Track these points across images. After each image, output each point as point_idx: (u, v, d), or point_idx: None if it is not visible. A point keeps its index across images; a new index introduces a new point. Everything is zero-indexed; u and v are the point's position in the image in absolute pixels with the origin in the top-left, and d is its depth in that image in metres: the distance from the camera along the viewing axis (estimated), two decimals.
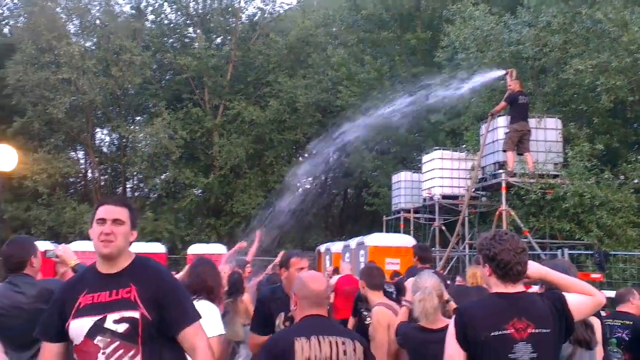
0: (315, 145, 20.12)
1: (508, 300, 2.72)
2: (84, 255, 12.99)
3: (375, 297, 4.80)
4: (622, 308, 5.30)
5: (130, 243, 2.72)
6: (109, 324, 2.55)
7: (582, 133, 12.26)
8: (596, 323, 4.08)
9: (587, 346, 3.43)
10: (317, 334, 2.88)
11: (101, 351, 2.52)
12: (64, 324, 2.60)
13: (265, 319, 4.04)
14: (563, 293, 2.84)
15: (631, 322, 5.09)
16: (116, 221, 2.66)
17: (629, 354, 4.99)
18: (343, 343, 2.90)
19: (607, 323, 5.16)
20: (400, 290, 8.31)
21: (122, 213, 2.70)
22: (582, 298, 2.84)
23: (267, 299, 4.19)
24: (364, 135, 17.35)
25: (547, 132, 12.06)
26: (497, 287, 2.77)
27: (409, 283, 4.78)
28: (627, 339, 4.99)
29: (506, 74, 11.90)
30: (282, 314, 3.92)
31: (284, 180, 22.33)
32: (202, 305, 4.00)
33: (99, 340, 2.54)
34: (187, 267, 4.58)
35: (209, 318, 4.08)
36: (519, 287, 2.75)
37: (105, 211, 2.67)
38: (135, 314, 2.56)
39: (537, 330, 2.64)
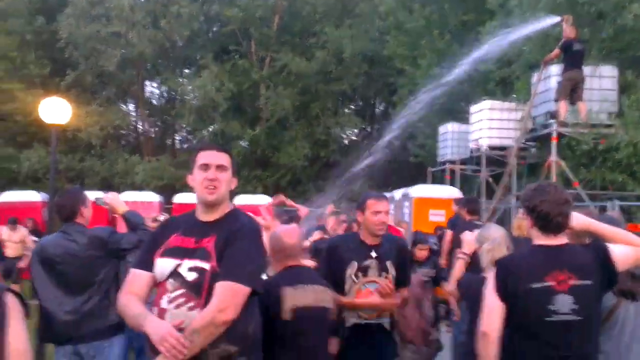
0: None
1: (549, 252, 2.72)
2: (134, 205, 13.43)
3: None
4: None
5: (231, 191, 2.68)
6: (183, 269, 2.50)
7: (638, 81, 11.79)
8: None
9: (632, 297, 3.35)
10: (301, 282, 3.23)
11: (167, 294, 2.49)
12: (152, 257, 2.60)
13: (332, 271, 3.64)
14: (607, 244, 2.81)
15: None
16: (220, 167, 2.60)
17: None
18: (322, 291, 3.29)
19: None
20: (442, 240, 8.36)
21: (224, 158, 2.63)
22: (627, 249, 2.82)
23: (337, 246, 3.78)
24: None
25: (602, 80, 11.62)
26: (539, 239, 2.78)
27: (466, 235, 4.85)
28: None
29: (562, 20, 11.47)
30: (355, 264, 3.62)
31: (330, 132, 22.40)
32: None
33: (170, 282, 2.51)
34: None
35: None
36: (561, 239, 2.75)
37: (209, 156, 2.61)
38: (206, 265, 2.48)
39: (578, 282, 2.63)
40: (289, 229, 3.53)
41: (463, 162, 16.34)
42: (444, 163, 17.14)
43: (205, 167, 2.58)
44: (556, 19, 11.87)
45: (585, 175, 11.60)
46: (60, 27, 21.28)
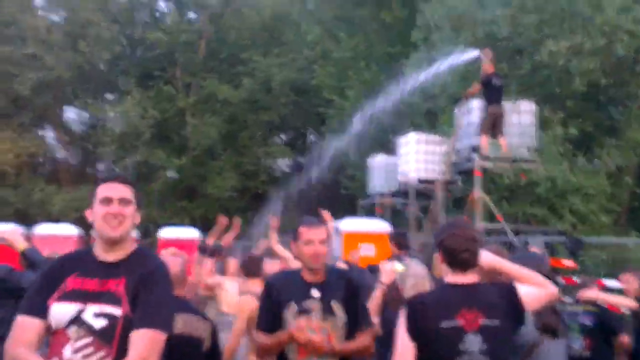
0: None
1: (458, 290, 2.67)
2: (51, 239, 12.46)
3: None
4: None
5: (134, 226, 2.46)
6: (88, 315, 2.29)
7: (556, 117, 12.04)
8: None
9: (553, 333, 3.43)
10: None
11: (70, 343, 2.27)
12: (46, 302, 2.34)
13: (271, 314, 3.18)
14: (515, 284, 2.80)
15: (596, 309, 5.16)
16: (123, 200, 2.42)
17: (590, 339, 5.07)
18: (197, 321, 3.30)
19: (568, 310, 5.31)
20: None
21: (128, 191, 2.45)
22: (534, 290, 2.82)
23: (273, 285, 3.26)
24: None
25: (521, 115, 11.81)
26: (449, 276, 2.73)
27: (385, 265, 4.73)
28: (589, 325, 5.09)
29: (480, 55, 11.60)
30: (294, 305, 3.09)
31: (259, 162, 21.97)
32: None
33: (72, 330, 2.28)
34: None
35: None
36: (471, 277, 2.69)
37: (111, 189, 2.42)
38: (117, 311, 2.29)
39: (487, 322, 2.57)
40: (172, 259, 3.47)
41: (392, 194, 16.28)
42: (374, 196, 17.05)
43: (108, 200, 2.41)
44: (475, 52, 12.02)
45: (507, 209, 11.66)
46: None
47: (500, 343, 2.63)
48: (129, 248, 2.46)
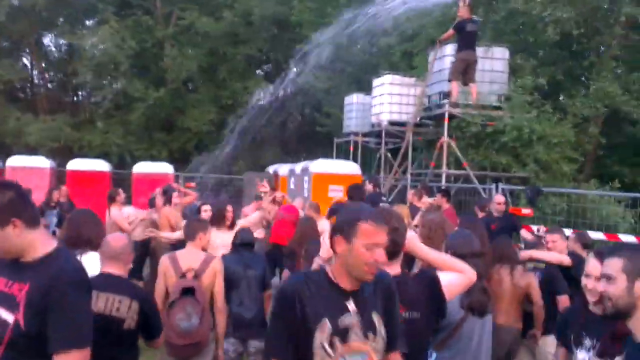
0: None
1: None
2: (23, 171, 12.48)
3: None
4: None
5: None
6: None
7: (528, 65, 12.03)
8: None
9: (480, 313, 3.37)
10: (98, 290, 3.22)
11: None
12: None
13: (293, 337, 2.37)
14: (436, 273, 2.74)
15: (543, 265, 5.27)
16: None
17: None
18: (119, 301, 3.29)
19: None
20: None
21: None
22: (454, 277, 2.78)
23: (297, 294, 2.31)
24: (320, 55, 16.81)
25: (494, 62, 11.80)
26: None
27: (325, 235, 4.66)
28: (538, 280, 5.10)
29: None
30: (327, 324, 2.25)
31: (237, 96, 21.80)
32: (91, 258, 3.87)
33: None
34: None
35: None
36: (393, 269, 2.62)
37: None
38: (9, 317, 2.14)
39: (407, 315, 2.56)
40: (117, 235, 3.67)
41: (366, 134, 16.37)
42: (349, 134, 17.12)
43: None
44: None
45: (473, 156, 11.83)
46: None
47: (420, 336, 2.61)
48: (38, 252, 2.26)
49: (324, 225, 6.26)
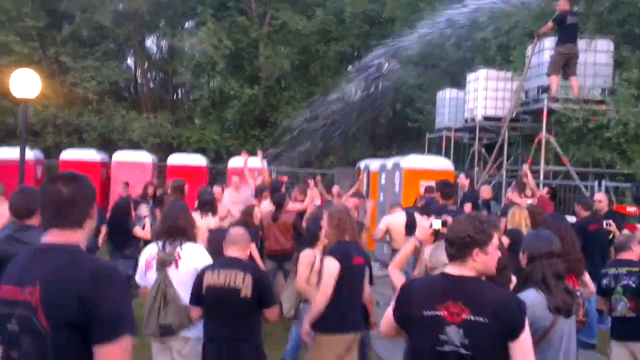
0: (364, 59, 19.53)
1: (449, 281, 2.67)
2: (127, 165, 13.33)
3: None
4: (624, 256, 5.21)
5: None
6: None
7: (634, 57, 11.44)
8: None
9: (567, 313, 3.33)
10: (221, 268, 3.95)
11: None
12: None
13: None
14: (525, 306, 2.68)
15: (637, 269, 5.02)
16: None
17: (635, 301, 4.92)
18: (235, 274, 3.90)
19: (610, 272, 5.12)
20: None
21: None
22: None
23: None
24: (411, 49, 16.74)
25: (597, 54, 11.32)
26: (447, 266, 2.76)
27: (423, 221, 4.74)
28: (634, 286, 4.93)
29: None
30: None
31: (330, 93, 22.08)
32: (193, 247, 4.30)
33: None
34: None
35: (204, 258, 4.25)
36: (468, 271, 2.67)
37: None
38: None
39: (472, 317, 2.55)
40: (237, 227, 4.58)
41: (459, 130, 16.14)
42: (441, 130, 16.94)
43: None
44: None
45: (574, 152, 11.43)
46: None
47: (483, 341, 2.54)
48: None
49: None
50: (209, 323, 3.98)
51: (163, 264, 4.15)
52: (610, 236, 7.18)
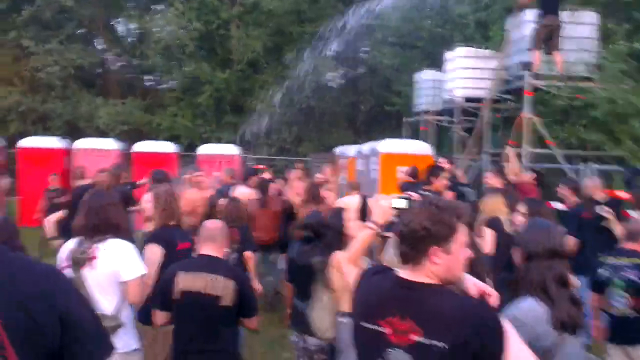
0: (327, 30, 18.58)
1: (398, 287, 1.93)
2: (92, 153, 12.48)
3: None
4: (629, 245, 4.47)
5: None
6: None
7: (621, 29, 10.75)
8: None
9: (573, 329, 2.57)
10: (195, 270, 3.47)
11: None
12: None
13: None
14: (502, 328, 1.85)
15: None
16: None
17: (638, 298, 4.23)
18: (214, 280, 3.44)
19: (610, 262, 4.43)
20: None
21: None
22: None
23: None
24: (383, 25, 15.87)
25: (581, 27, 10.61)
26: (400, 266, 2.00)
27: (381, 200, 4.02)
28: (637, 280, 4.23)
29: None
30: None
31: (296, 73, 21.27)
32: (116, 244, 3.57)
33: None
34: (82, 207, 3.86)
35: (127, 258, 3.56)
36: (422, 276, 1.91)
37: None
38: None
39: (424, 340, 1.80)
40: (213, 220, 3.99)
41: (438, 112, 15.48)
42: (419, 113, 16.27)
43: None
44: None
45: (559, 133, 10.74)
46: None
47: None
48: None
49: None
50: (180, 332, 3.55)
51: (77, 263, 3.51)
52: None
